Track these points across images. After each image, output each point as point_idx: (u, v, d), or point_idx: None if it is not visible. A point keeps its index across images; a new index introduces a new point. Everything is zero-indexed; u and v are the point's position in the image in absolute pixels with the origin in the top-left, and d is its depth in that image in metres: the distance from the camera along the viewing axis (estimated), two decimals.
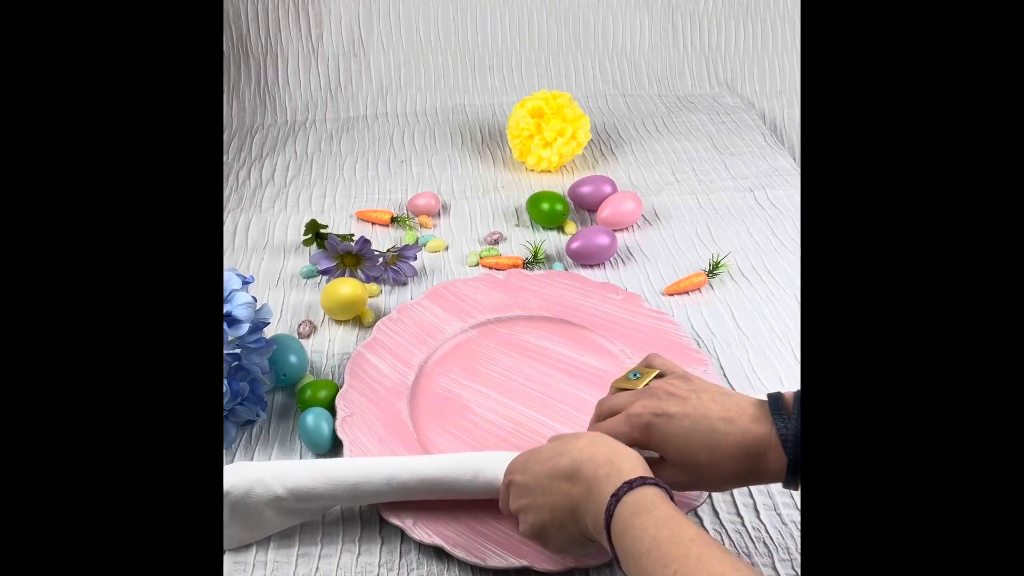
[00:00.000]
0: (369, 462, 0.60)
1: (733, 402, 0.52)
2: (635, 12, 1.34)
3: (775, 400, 0.51)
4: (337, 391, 0.71)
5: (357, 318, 0.82)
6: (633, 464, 0.48)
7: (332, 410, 0.69)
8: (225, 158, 1.15)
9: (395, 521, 0.60)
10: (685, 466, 0.52)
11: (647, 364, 0.59)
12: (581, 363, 0.75)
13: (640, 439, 0.53)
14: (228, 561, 0.59)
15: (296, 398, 0.72)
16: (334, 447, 0.67)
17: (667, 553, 0.42)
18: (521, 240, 0.94)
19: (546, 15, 1.33)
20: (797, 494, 0.63)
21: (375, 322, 0.80)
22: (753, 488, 0.63)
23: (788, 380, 0.74)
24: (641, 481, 0.46)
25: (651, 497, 0.45)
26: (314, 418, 0.67)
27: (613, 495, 0.46)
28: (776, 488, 0.63)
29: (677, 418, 0.51)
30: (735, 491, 0.63)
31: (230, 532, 0.59)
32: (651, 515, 0.44)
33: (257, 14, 1.27)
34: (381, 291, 0.86)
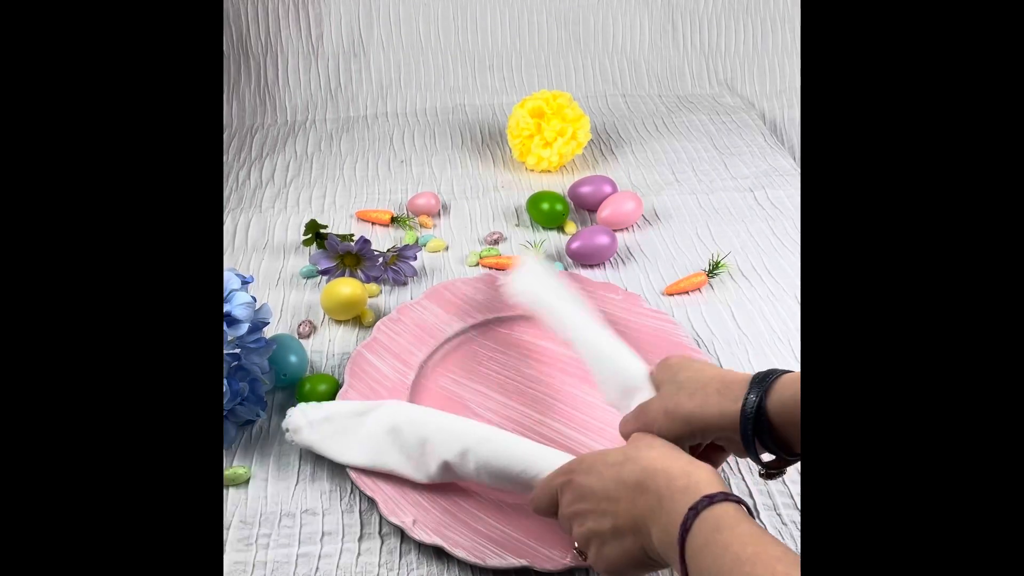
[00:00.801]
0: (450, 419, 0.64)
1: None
2: (635, 12, 1.34)
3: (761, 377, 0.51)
4: (337, 386, 0.71)
5: (357, 318, 0.82)
6: (711, 479, 0.46)
7: None
8: (225, 158, 1.15)
9: (395, 521, 0.60)
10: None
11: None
12: (581, 363, 0.75)
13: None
14: (228, 561, 0.59)
15: (295, 393, 0.72)
16: None
17: (751, 573, 0.39)
18: (521, 240, 0.94)
19: (546, 15, 1.33)
20: (797, 494, 0.63)
21: (375, 322, 0.80)
22: (753, 488, 0.63)
23: None
24: (723, 496, 0.44)
25: (733, 513, 0.43)
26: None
27: (691, 508, 0.43)
28: (776, 488, 0.63)
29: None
30: (735, 491, 0.63)
31: (327, 440, 0.65)
32: (734, 531, 0.41)
33: (257, 14, 1.27)
34: (381, 291, 0.86)
